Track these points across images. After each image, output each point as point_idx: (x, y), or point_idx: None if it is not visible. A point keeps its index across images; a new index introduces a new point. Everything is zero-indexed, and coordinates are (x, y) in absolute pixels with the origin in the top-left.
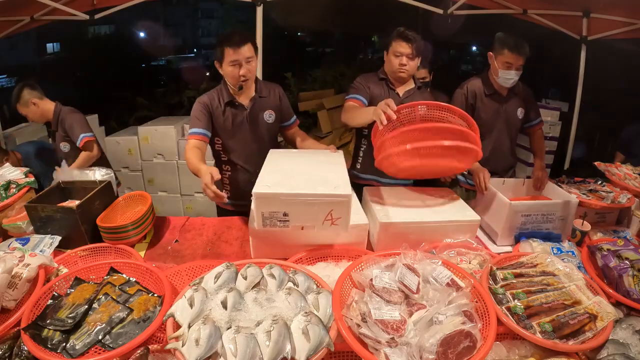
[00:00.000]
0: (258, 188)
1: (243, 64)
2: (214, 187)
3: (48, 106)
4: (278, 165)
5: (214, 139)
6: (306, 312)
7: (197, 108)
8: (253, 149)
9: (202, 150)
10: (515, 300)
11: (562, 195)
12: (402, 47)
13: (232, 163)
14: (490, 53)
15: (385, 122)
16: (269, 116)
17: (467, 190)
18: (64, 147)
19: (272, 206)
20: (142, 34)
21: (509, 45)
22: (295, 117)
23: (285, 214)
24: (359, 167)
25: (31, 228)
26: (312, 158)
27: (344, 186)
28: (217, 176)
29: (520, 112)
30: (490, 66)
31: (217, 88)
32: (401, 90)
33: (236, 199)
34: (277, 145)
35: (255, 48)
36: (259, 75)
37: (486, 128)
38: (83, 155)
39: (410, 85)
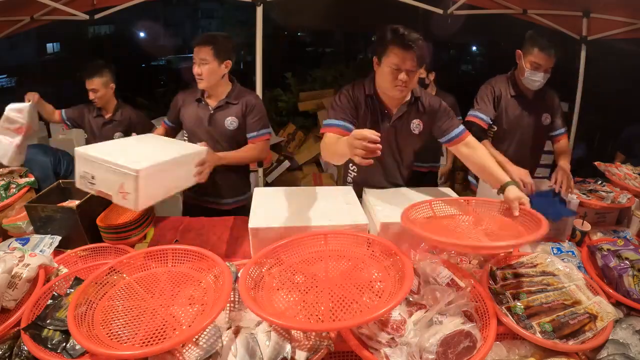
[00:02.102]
0: (81, 148)
1: (197, 64)
2: None
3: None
4: (124, 141)
5: (183, 131)
6: None
7: (173, 101)
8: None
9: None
10: (515, 300)
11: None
12: (401, 58)
13: None
14: (519, 51)
15: (365, 162)
16: (230, 122)
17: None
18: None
19: (86, 167)
20: (142, 34)
21: (540, 44)
22: (263, 132)
23: (92, 177)
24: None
25: (31, 228)
26: (166, 144)
27: (145, 162)
28: None
29: (545, 118)
30: (517, 66)
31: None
32: (394, 108)
33: (197, 195)
34: None
35: (218, 53)
36: (258, 76)
37: (508, 130)
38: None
39: (406, 98)
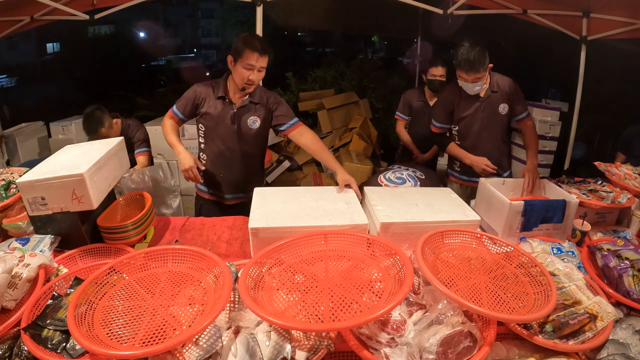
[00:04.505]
0: (22, 178)
1: (256, 71)
2: (195, 171)
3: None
4: (52, 158)
5: (199, 125)
6: None
7: (189, 94)
8: (229, 147)
9: (176, 129)
10: None
11: (562, 195)
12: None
13: (210, 153)
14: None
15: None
16: (252, 122)
17: (461, 185)
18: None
19: (32, 192)
20: (142, 34)
21: (458, 63)
22: (294, 120)
23: (43, 198)
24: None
25: (31, 228)
26: (86, 147)
27: (84, 166)
28: (200, 166)
29: (502, 108)
30: None
31: (217, 80)
32: None
33: (209, 187)
34: (262, 152)
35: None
36: None
37: (466, 127)
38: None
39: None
